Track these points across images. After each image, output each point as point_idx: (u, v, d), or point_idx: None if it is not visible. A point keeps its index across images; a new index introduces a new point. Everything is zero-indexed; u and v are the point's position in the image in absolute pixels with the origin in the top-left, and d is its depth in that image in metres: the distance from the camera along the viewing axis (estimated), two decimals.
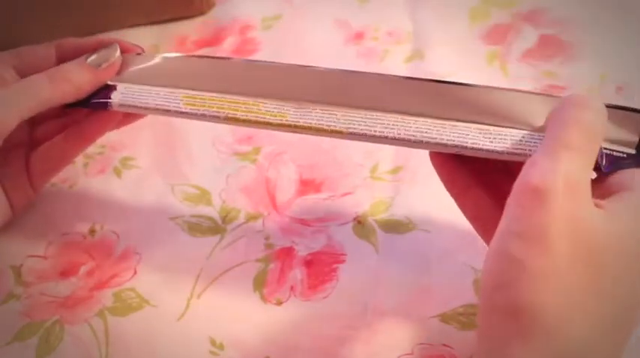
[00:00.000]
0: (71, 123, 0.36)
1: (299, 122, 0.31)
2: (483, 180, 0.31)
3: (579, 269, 0.23)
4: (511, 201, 0.24)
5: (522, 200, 0.23)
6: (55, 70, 0.33)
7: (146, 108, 0.33)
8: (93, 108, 0.34)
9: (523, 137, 0.28)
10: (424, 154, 0.37)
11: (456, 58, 0.44)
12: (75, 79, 0.33)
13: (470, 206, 0.31)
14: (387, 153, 0.39)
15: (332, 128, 0.31)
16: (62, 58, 0.35)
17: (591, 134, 0.25)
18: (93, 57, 0.34)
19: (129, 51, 0.35)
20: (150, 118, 0.37)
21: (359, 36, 0.47)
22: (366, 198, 0.37)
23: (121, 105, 0.33)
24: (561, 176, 0.23)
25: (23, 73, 0.34)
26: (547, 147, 0.24)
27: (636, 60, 0.43)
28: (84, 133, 0.36)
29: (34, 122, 0.37)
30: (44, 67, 0.35)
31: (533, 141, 0.28)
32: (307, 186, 0.38)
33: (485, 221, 0.31)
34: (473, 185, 0.31)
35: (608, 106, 0.27)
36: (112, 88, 0.34)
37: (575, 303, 0.22)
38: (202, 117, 0.32)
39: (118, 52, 0.34)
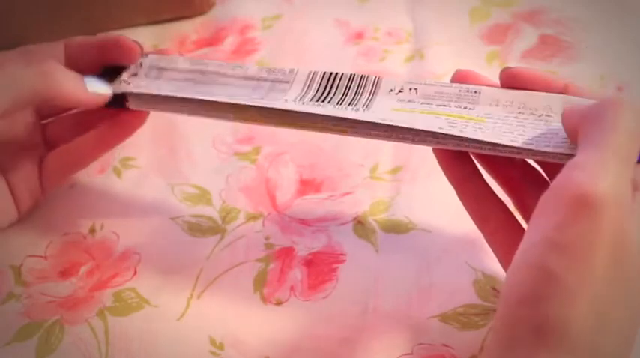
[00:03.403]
0: (87, 125, 0.36)
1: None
2: (486, 168, 0.31)
3: (614, 286, 0.22)
4: (549, 205, 0.23)
5: (567, 207, 0.22)
6: (49, 65, 0.32)
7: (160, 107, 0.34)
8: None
9: (532, 132, 0.28)
10: (424, 154, 0.37)
11: (456, 58, 0.44)
12: (67, 86, 0.32)
13: (469, 196, 0.31)
14: (387, 153, 0.39)
15: (337, 127, 0.31)
16: (71, 57, 0.35)
17: (635, 140, 0.23)
18: (90, 81, 0.33)
19: (129, 47, 0.35)
20: (150, 119, 0.36)
21: (359, 36, 0.47)
22: (366, 198, 0.37)
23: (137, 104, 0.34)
24: (612, 185, 0.22)
25: None
26: (593, 150, 0.23)
27: (636, 60, 0.43)
28: (105, 139, 0.36)
29: (47, 122, 0.37)
30: None
31: (545, 137, 0.28)
32: (307, 186, 0.38)
33: (484, 212, 0.31)
34: (473, 173, 0.31)
35: None
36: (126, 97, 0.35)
37: (607, 321, 0.22)
38: (212, 114, 0.33)
39: (109, 91, 0.34)
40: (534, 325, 0.22)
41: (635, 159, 0.24)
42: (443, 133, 0.29)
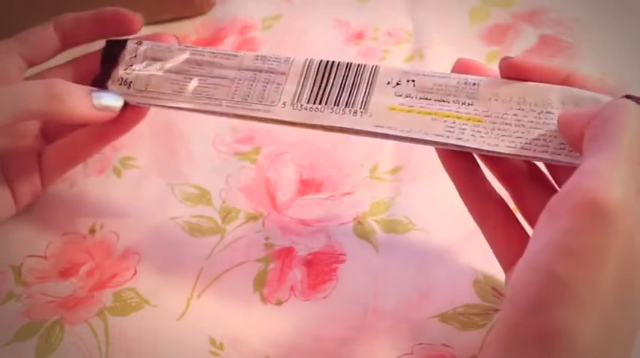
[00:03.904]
0: None
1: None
2: (486, 164, 0.31)
3: (621, 294, 0.22)
4: (559, 210, 0.22)
5: (578, 213, 0.21)
6: (56, 87, 0.32)
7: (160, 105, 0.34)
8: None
9: (531, 134, 0.28)
10: (424, 154, 0.37)
11: (456, 58, 0.44)
12: (72, 107, 0.32)
13: (470, 193, 0.31)
14: (387, 153, 0.39)
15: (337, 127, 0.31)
16: (65, 36, 0.35)
17: None
18: (100, 97, 0.33)
19: (128, 19, 0.35)
20: (149, 119, 0.36)
21: (359, 36, 0.47)
22: (366, 198, 0.37)
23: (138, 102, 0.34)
24: (624, 192, 0.21)
25: (29, 58, 0.35)
26: (604, 155, 0.22)
27: (636, 60, 0.43)
28: (104, 133, 0.35)
29: None
30: (49, 48, 0.35)
31: (543, 141, 0.28)
32: (307, 186, 0.38)
33: (484, 209, 0.30)
34: (474, 171, 0.31)
35: None
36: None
37: (614, 330, 0.22)
38: (213, 112, 0.33)
39: (121, 102, 0.34)
40: (541, 332, 0.21)
41: None
42: (441, 142, 0.29)
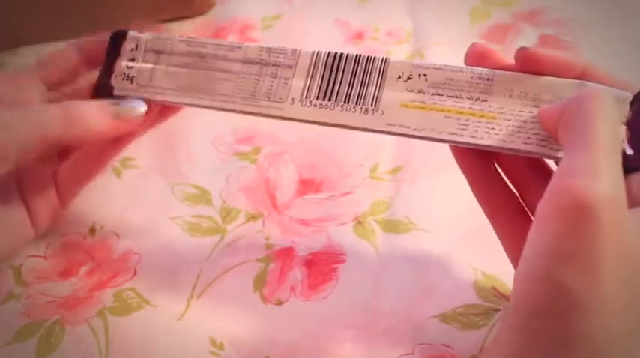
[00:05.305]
0: None
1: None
2: (501, 165, 0.31)
3: (625, 291, 0.21)
4: (548, 213, 0.22)
5: (566, 215, 0.21)
6: (72, 110, 0.31)
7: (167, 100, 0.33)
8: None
9: (525, 126, 0.28)
10: (424, 154, 0.37)
11: (456, 58, 0.44)
12: (92, 126, 0.31)
13: (482, 186, 0.30)
14: (387, 153, 0.39)
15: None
16: (85, 57, 0.34)
17: (617, 130, 0.23)
18: (116, 109, 0.32)
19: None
20: None
21: (359, 36, 0.47)
22: (366, 198, 0.37)
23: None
24: (607, 186, 0.21)
25: (49, 81, 0.34)
26: (580, 150, 0.22)
27: (636, 60, 0.43)
28: (117, 139, 0.34)
29: None
30: (69, 70, 0.34)
31: (541, 133, 0.28)
32: (307, 186, 0.38)
33: (496, 203, 0.30)
34: (487, 164, 0.30)
35: None
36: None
37: (624, 330, 0.21)
38: (217, 108, 0.32)
39: (144, 108, 0.33)
40: (554, 340, 0.21)
41: (621, 146, 0.23)
42: (454, 140, 0.29)
